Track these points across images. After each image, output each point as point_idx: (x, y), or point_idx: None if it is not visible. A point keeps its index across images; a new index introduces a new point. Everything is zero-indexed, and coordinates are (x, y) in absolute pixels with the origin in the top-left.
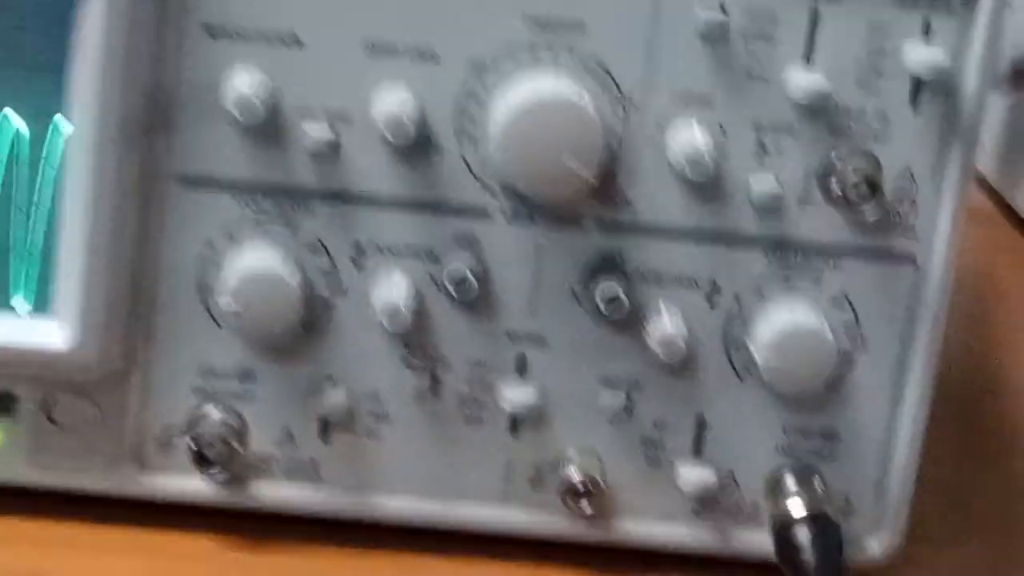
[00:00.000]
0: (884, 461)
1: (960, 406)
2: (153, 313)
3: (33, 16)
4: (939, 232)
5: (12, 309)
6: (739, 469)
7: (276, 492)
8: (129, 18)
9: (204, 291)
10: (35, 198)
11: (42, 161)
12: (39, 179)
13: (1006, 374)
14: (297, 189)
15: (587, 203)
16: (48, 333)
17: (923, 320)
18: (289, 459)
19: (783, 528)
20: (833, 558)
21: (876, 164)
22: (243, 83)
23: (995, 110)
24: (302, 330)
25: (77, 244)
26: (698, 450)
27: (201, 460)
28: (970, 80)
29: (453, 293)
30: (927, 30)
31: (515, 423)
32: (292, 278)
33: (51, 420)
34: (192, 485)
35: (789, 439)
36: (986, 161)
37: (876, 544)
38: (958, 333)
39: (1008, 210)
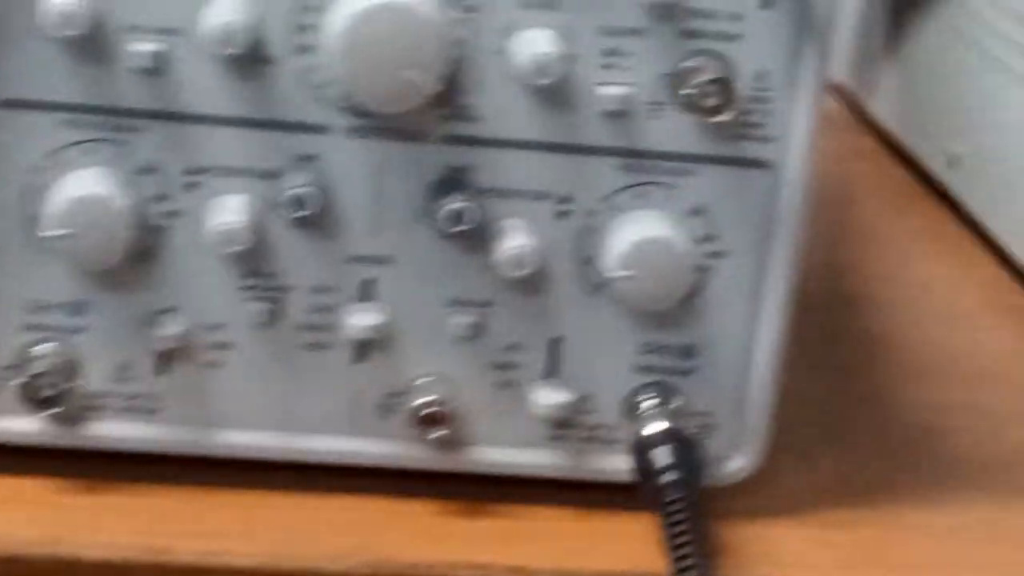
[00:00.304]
0: (744, 376)
1: (818, 317)
2: None
3: None
4: (796, 136)
5: None
6: (595, 390)
7: (113, 430)
8: None
9: (30, 220)
10: None
11: None
12: None
13: (864, 283)
14: (125, 109)
15: (431, 116)
16: None
17: (782, 229)
18: (126, 394)
19: (641, 449)
20: (693, 478)
21: (729, 67)
22: None
23: (848, 15)
24: (135, 258)
25: None
26: (552, 372)
27: (33, 399)
28: None
29: (293, 215)
30: None
31: (362, 350)
32: (122, 202)
33: None
34: (24, 426)
35: (646, 357)
36: (841, 68)
37: (737, 462)
38: (816, 242)
39: (864, 117)
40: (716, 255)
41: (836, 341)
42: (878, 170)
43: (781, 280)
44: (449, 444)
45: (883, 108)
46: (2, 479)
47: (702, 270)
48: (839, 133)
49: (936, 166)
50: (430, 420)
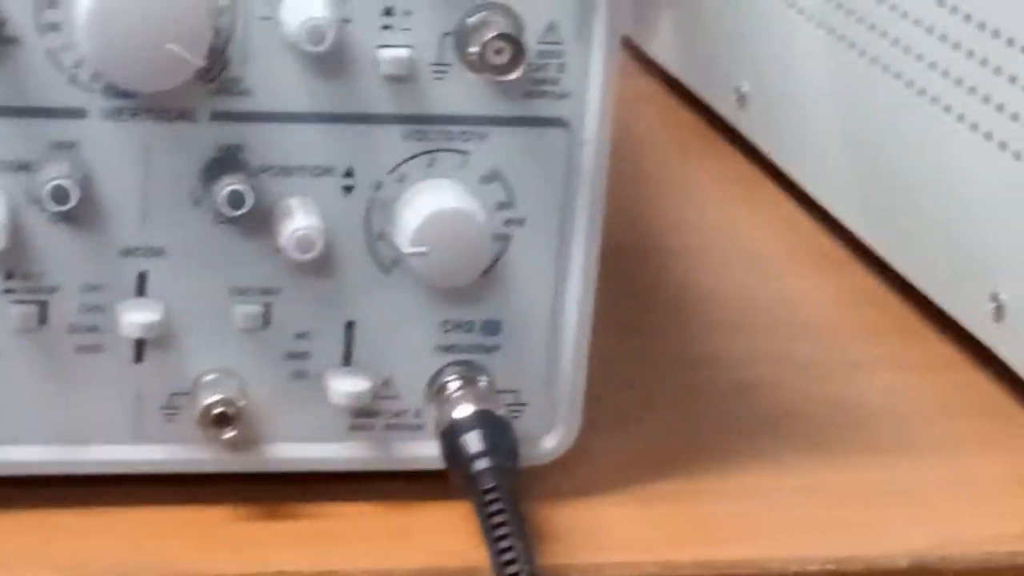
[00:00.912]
0: (552, 349)
1: (619, 271)
2: None
3: None
4: (591, 92)
5: None
6: (396, 374)
7: None
8: None
9: None
10: None
11: None
12: None
13: (662, 233)
14: None
15: (198, 92)
16: None
17: (581, 189)
18: None
19: (450, 435)
20: (506, 461)
21: (516, 21)
22: None
23: None
24: None
25: None
26: (348, 358)
27: None
28: None
29: (53, 209)
30: None
31: (139, 349)
32: None
33: None
34: None
35: (447, 336)
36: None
37: (552, 439)
38: (609, 193)
39: (645, 60)
40: (514, 222)
41: (640, 297)
42: (664, 115)
43: (584, 244)
44: (242, 444)
45: (664, 51)
46: None
47: (501, 239)
48: (624, 79)
49: (723, 106)
50: (219, 420)
